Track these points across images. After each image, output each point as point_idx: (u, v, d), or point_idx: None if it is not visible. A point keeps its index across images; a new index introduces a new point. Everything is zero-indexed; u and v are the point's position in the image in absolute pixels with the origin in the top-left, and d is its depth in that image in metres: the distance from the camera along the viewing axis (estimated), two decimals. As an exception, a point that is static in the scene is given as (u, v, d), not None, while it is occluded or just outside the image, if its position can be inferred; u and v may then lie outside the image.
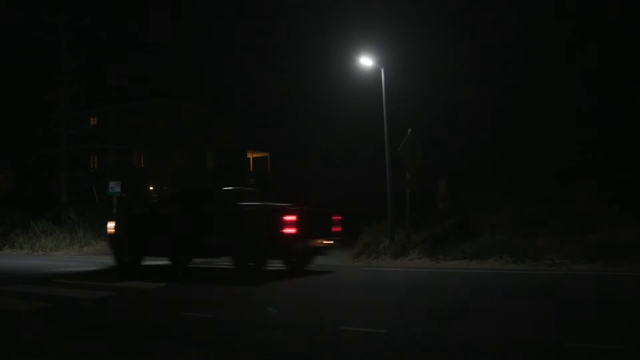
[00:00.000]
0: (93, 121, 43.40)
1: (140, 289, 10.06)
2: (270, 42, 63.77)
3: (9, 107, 40.80)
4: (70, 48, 28.24)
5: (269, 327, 6.70)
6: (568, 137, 21.12)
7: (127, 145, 40.23)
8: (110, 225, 13.72)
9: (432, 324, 6.46)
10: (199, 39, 59.70)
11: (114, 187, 23.26)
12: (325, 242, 12.06)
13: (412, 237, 14.52)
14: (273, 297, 9.00)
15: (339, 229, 12.52)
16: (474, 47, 30.71)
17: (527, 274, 10.89)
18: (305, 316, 7.18)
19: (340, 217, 12.60)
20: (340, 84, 31.08)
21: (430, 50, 30.62)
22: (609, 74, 22.21)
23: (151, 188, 39.67)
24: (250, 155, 47.48)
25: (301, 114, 42.47)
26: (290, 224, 10.91)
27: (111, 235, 13.69)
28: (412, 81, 26.08)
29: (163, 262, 14.14)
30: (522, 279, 10.23)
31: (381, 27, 30.95)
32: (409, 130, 14.96)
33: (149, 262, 14.00)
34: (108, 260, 14.38)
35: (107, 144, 40.77)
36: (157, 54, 56.49)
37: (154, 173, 39.45)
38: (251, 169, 47.85)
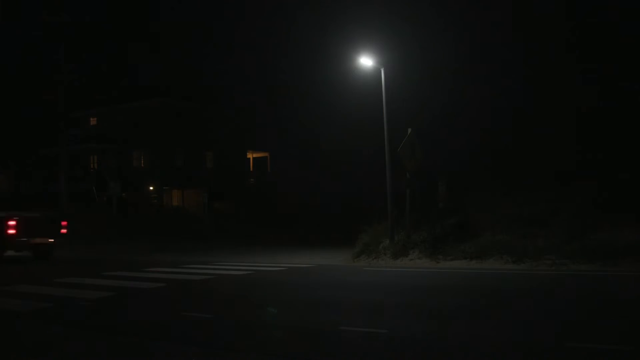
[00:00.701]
0: (93, 121, 43.35)
1: (140, 288, 10.06)
2: (270, 42, 63.77)
3: (9, 107, 40.80)
4: (70, 48, 28.22)
5: (268, 327, 6.70)
6: (568, 138, 21.12)
7: (127, 145, 40.21)
8: None
9: (432, 324, 6.46)
10: (199, 39, 59.71)
11: (114, 187, 23.30)
12: (49, 240, 16.93)
13: (412, 237, 14.52)
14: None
15: (65, 231, 17.41)
16: (474, 47, 30.70)
17: (527, 274, 10.89)
18: (306, 316, 7.18)
19: (66, 222, 17.55)
20: (340, 84, 31.09)
21: (430, 50, 30.62)
22: (609, 74, 22.20)
23: (151, 188, 39.67)
24: (250, 155, 47.44)
25: (301, 114, 42.47)
26: (11, 227, 15.83)
27: None
28: (412, 81, 26.08)
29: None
30: (522, 279, 10.23)
31: (381, 27, 30.97)
32: (409, 130, 14.96)
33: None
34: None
35: (107, 144, 40.76)
36: (158, 54, 56.45)
37: (154, 173, 39.42)
38: (251, 169, 47.81)
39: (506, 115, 25.63)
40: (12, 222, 16.00)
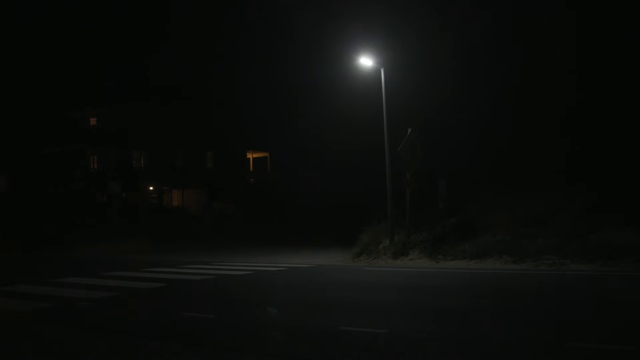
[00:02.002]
0: (93, 121, 43.31)
1: (140, 288, 10.06)
2: (271, 42, 63.72)
3: (9, 107, 40.77)
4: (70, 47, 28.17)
5: (268, 327, 6.70)
6: (569, 138, 21.11)
7: (127, 145, 40.18)
8: None
9: (431, 324, 6.46)
10: (199, 39, 59.72)
11: (114, 187, 23.28)
12: None
13: (412, 237, 14.51)
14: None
15: None
16: (474, 47, 30.71)
17: (527, 274, 10.88)
18: (305, 316, 7.18)
19: None
20: (340, 84, 31.05)
21: (430, 51, 30.58)
22: (609, 75, 22.18)
23: (151, 188, 39.67)
24: (250, 155, 47.43)
25: (301, 114, 42.45)
26: None
27: None
28: (412, 81, 26.05)
29: None
30: (522, 279, 10.23)
31: (381, 27, 30.95)
32: (409, 130, 14.96)
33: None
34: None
35: (107, 144, 40.72)
36: (158, 54, 56.47)
37: (154, 173, 39.40)
38: (251, 169, 47.82)
39: (506, 116, 25.63)
40: None
